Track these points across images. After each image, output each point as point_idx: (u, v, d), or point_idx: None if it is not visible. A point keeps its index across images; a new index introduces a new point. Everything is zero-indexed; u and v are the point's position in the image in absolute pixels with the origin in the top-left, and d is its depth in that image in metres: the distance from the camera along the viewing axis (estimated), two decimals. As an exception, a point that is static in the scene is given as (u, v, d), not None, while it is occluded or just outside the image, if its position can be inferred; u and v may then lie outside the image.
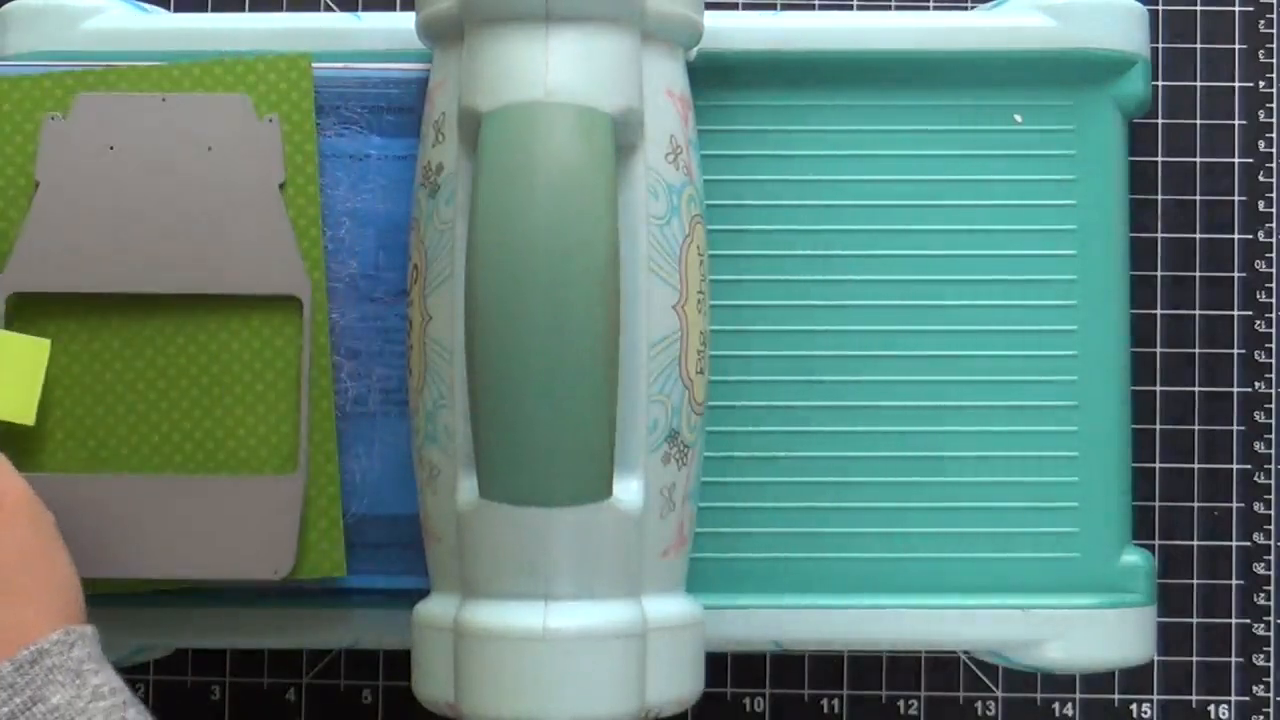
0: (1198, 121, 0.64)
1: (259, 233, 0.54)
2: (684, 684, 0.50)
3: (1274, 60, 0.64)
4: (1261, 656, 0.63)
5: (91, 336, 0.54)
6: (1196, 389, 0.64)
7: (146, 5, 0.58)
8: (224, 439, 0.54)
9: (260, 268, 0.54)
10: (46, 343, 0.53)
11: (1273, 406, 0.64)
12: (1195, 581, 0.63)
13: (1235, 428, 0.64)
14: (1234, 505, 0.63)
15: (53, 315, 0.54)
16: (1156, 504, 0.63)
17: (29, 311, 0.54)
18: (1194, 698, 0.63)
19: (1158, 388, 0.64)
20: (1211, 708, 0.63)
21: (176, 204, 0.54)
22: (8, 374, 0.53)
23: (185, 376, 0.54)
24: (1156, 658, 0.61)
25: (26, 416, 0.53)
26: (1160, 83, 0.64)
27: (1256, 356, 0.64)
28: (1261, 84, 0.64)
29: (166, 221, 0.54)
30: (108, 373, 0.54)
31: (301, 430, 0.53)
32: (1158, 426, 0.64)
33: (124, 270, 0.53)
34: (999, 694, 0.63)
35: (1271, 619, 0.63)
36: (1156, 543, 0.63)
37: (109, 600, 0.54)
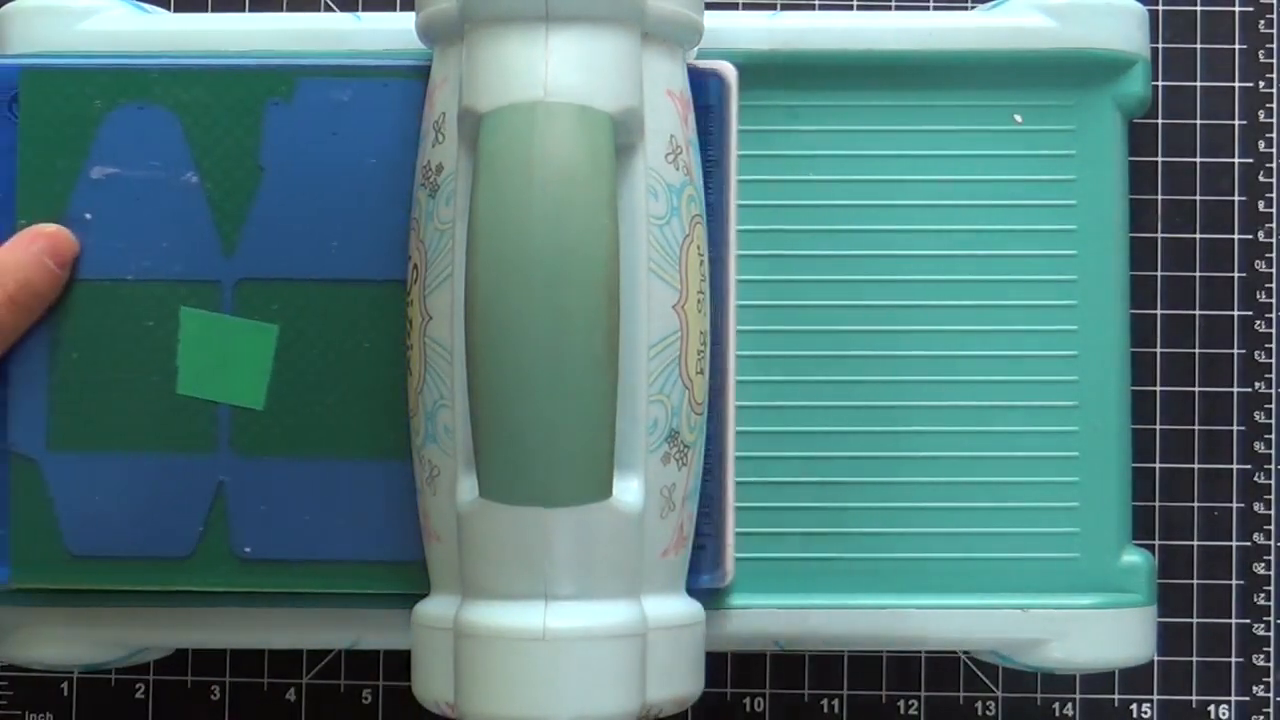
0: (1198, 121, 0.64)
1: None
2: (684, 684, 0.50)
3: (1274, 60, 0.64)
4: (1261, 657, 0.63)
5: (316, 321, 0.54)
6: (1196, 389, 0.64)
7: (146, 5, 0.58)
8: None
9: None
10: (274, 328, 0.53)
11: (1273, 406, 0.64)
12: (1195, 581, 0.63)
13: (1235, 428, 0.64)
14: (1234, 505, 0.63)
15: (279, 300, 0.54)
16: (1156, 504, 0.63)
17: (258, 297, 0.54)
18: (1194, 698, 0.63)
19: (1158, 388, 0.64)
20: (1211, 708, 0.63)
21: (398, 189, 0.53)
22: (237, 359, 0.53)
23: (395, 360, 0.53)
24: (1156, 658, 0.61)
25: (255, 401, 0.53)
26: (1160, 83, 0.64)
27: (1256, 356, 0.64)
28: (1261, 84, 0.64)
29: (388, 207, 0.53)
30: (332, 358, 0.53)
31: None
32: (1158, 426, 0.64)
33: (347, 256, 0.53)
34: (999, 694, 0.63)
35: (1271, 619, 0.63)
36: (1156, 543, 0.63)
37: (109, 600, 0.55)
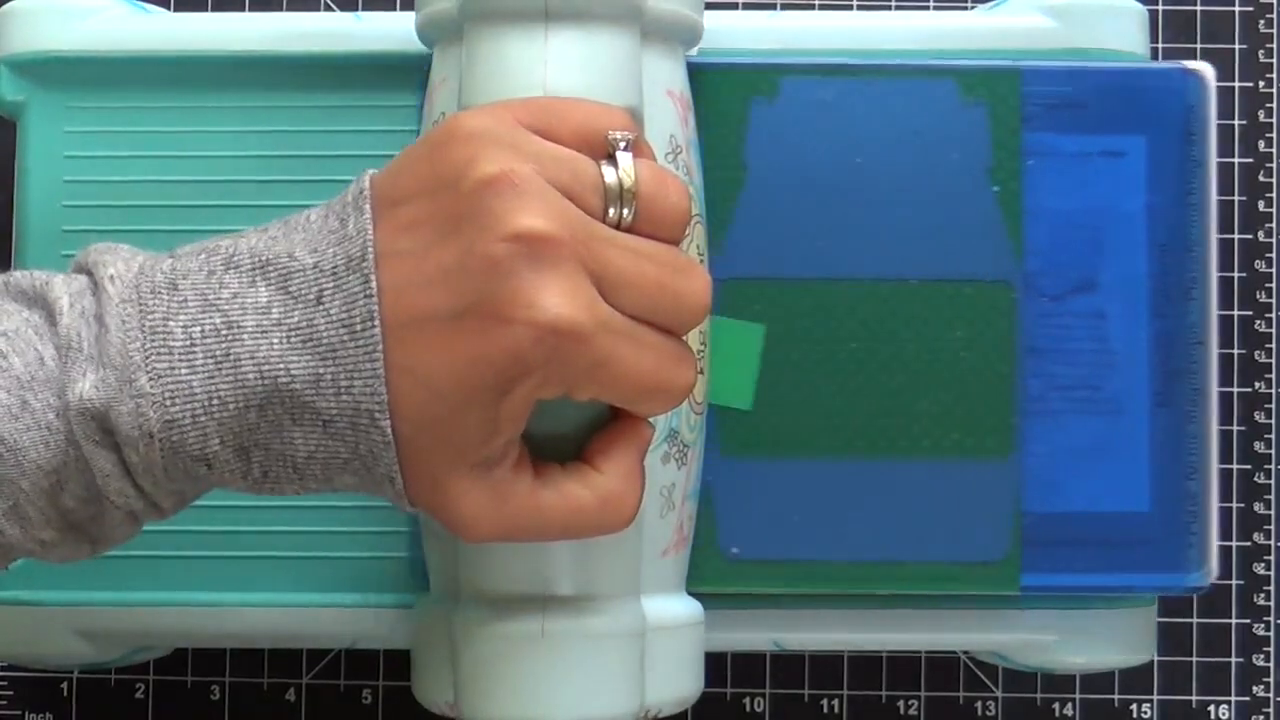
0: (1198, 121, 0.64)
1: (967, 218, 0.53)
2: (684, 684, 0.50)
3: (1274, 60, 0.64)
4: (1261, 657, 0.63)
5: (803, 321, 0.54)
6: (1196, 389, 0.64)
7: (146, 5, 0.58)
8: (933, 423, 0.53)
9: (969, 253, 0.53)
10: (761, 328, 0.53)
11: (1273, 406, 0.64)
12: (1195, 581, 0.63)
13: (1235, 428, 0.64)
14: (1234, 505, 0.63)
15: (765, 299, 0.54)
16: (1156, 504, 0.63)
17: (744, 296, 0.54)
18: (1194, 698, 0.63)
19: (1158, 388, 0.64)
20: (1211, 708, 0.63)
21: (884, 187, 0.53)
22: (725, 359, 0.53)
23: (895, 361, 0.53)
24: (1156, 658, 0.61)
25: (744, 401, 0.53)
26: (1160, 83, 0.64)
27: (1256, 356, 0.64)
28: (1261, 84, 0.64)
29: (874, 205, 0.53)
30: (819, 357, 0.53)
31: (1014, 417, 0.53)
32: (1158, 426, 0.63)
33: (833, 254, 0.53)
34: (999, 694, 0.63)
35: (1271, 619, 0.63)
36: (1156, 543, 0.63)
37: (108, 600, 0.55)
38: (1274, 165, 0.64)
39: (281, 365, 0.41)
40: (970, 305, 0.54)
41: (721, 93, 0.54)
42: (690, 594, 0.53)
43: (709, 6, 0.53)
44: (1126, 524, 0.54)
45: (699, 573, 0.53)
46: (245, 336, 0.41)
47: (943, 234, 0.54)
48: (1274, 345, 0.64)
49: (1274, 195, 0.64)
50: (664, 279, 0.43)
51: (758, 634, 0.55)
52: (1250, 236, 0.64)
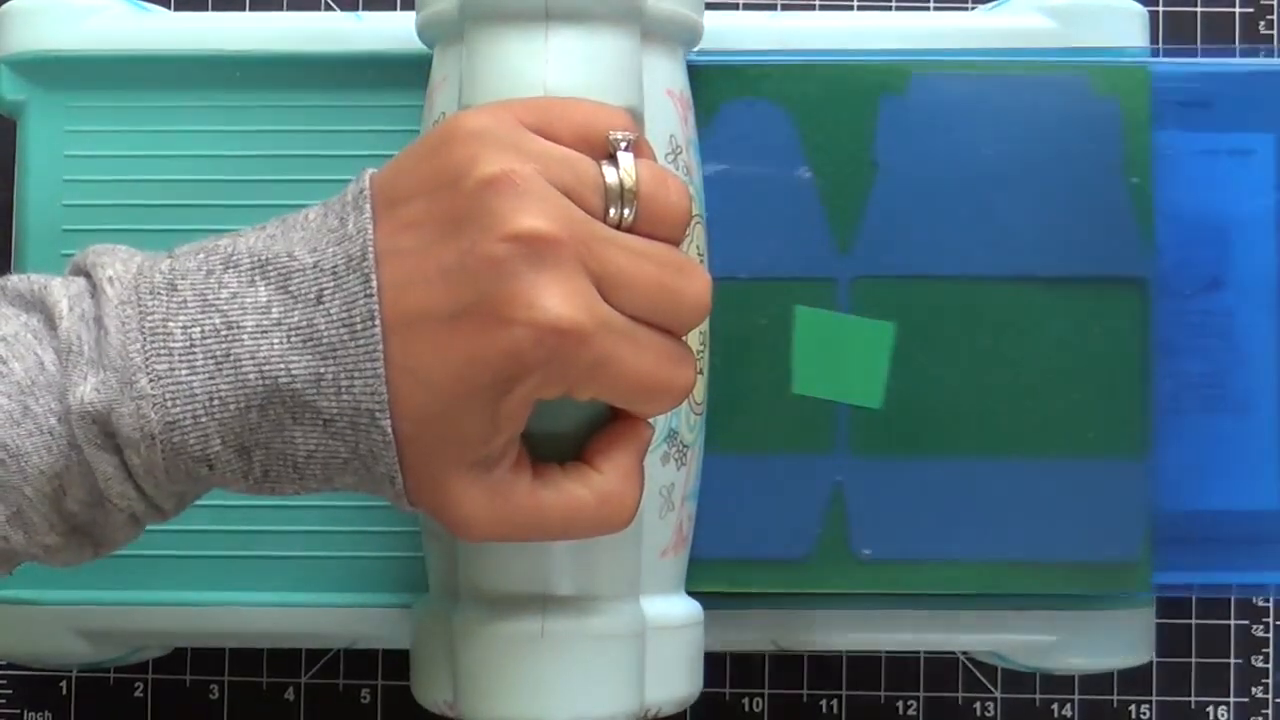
0: (1197, 122, 0.64)
1: (1100, 215, 0.53)
2: (683, 684, 0.50)
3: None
4: (1260, 658, 0.63)
5: (932, 318, 0.53)
6: (1196, 390, 0.64)
7: (146, 5, 0.58)
8: (1066, 422, 0.53)
9: (1102, 250, 0.53)
10: (891, 326, 0.53)
11: (1272, 407, 0.64)
12: (1194, 582, 0.63)
13: None
14: (1233, 506, 0.63)
15: (895, 298, 0.53)
16: (1156, 505, 0.63)
17: (874, 294, 0.53)
18: (1192, 699, 0.63)
19: (1157, 389, 0.64)
20: (1210, 709, 0.63)
21: (1014, 184, 0.53)
22: (855, 358, 0.53)
23: (1027, 359, 0.53)
24: (1155, 659, 0.61)
25: (873, 399, 0.53)
26: (1160, 84, 0.64)
27: (1256, 357, 0.64)
28: (1261, 85, 0.64)
29: (1005, 202, 0.53)
30: (951, 356, 0.53)
31: (1146, 416, 0.53)
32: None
33: (964, 252, 0.53)
34: (998, 695, 0.63)
35: (1270, 620, 0.63)
36: (1156, 544, 0.63)
37: (108, 599, 0.55)
38: (1273, 166, 0.64)
39: (282, 365, 0.41)
40: (1104, 303, 0.53)
41: (850, 88, 0.54)
42: (819, 594, 0.53)
43: (709, 6, 0.53)
44: (1256, 522, 0.54)
45: (829, 575, 0.53)
46: (245, 336, 0.41)
47: (1075, 231, 0.53)
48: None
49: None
50: (664, 279, 0.43)
51: (757, 634, 0.55)
52: (1250, 237, 0.64)
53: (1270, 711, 0.63)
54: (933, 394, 0.53)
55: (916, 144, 0.53)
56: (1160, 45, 0.64)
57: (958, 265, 0.53)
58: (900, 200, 0.53)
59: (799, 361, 0.53)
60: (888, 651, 0.63)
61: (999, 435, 0.53)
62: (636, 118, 0.48)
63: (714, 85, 0.54)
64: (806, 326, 0.53)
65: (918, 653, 0.63)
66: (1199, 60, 0.55)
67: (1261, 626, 0.63)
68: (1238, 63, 0.55)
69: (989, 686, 0.63)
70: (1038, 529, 0.53)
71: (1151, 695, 0.63)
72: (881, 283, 0.53)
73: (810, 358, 0.53)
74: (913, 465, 0.53)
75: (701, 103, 0.53)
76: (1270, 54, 0.64)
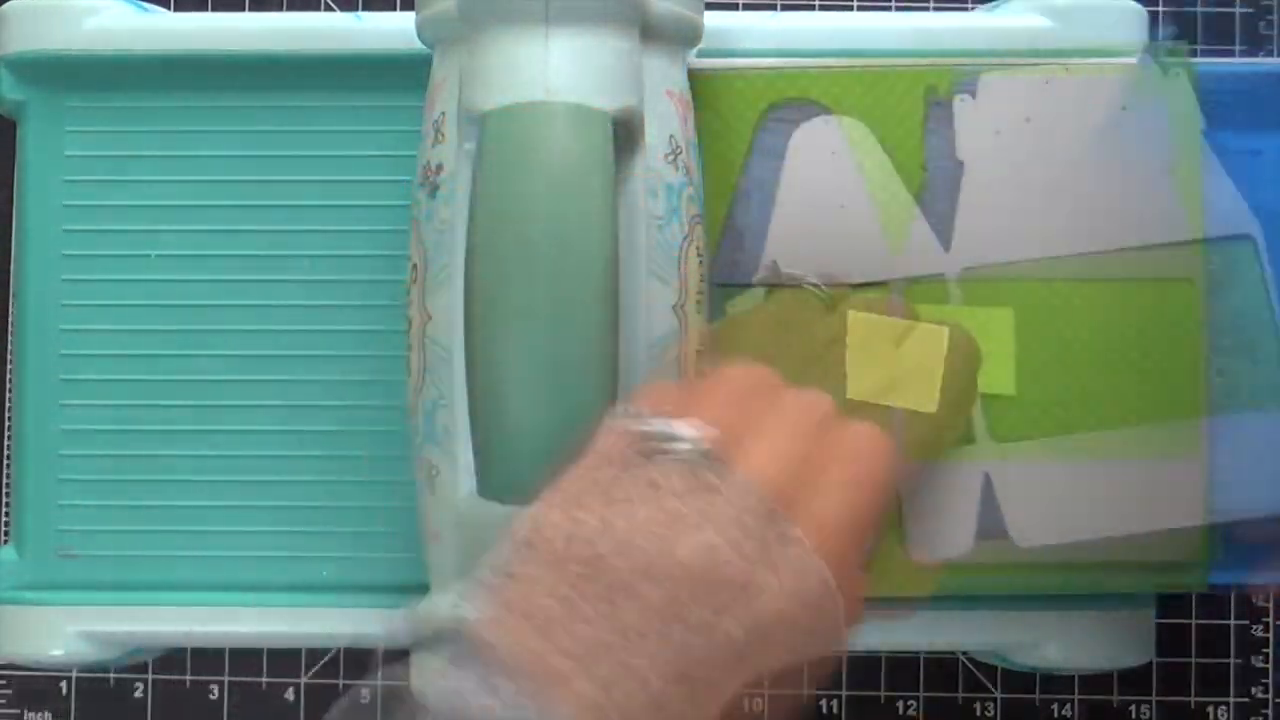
0: (1197, 122, 0.64)
1: (1150, 215, 0.54)
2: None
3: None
4: (1260, 658, 0.63)
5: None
6: (1196, 390, 0.64)
7: (147, 5, 0.58)
8: (1122, 422, 0.54)
9: (1154, 250, 0.54)
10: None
11: (1272, 408, 0.64)
12: (1194, 582, 0.63)
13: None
14: None
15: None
16: (1156, 505, 0.63)
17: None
18: (1192, 699, 0.63)
19: (1157, 389, 0.64)
20: (1210, 709, 0.63)
21: (1068, 182, 0.54)
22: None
23: (1088, 357, 0.54)
24: (1155, 659, 0.61)
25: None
26: (1160, 84, 0.64)
27: (1256, 357, 0.64)
28: (1261, 85, 0.64)
29: (1064, 201, 0.54)
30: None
31: (1202, 415, 0.54)
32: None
33: (1020, 249, 0.54)
34: (998, 694, 0.63)
35: (1270, 620, 0.63)
36: (1156, 544, 0.63)
37: (108, 600, 0.55)
38: (1273, 166, 0.64)
39: None
40: (1156, 302, 0.54)
41: (899, 91, 0.54)
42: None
43: (709, 6, 0.53)
44: None
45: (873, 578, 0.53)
46: None
47: (1125, 231, 0.54)
48: (1273, 346, 0.64)
49: (1273, 196, 0.64)
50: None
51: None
52: (1250, 237, 0.64)
53: (1270, 711, 0.63)
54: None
55: (989, 142, 0.54)
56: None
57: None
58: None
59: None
60: (888, 651, 0.63)
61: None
62: (636, 117, 0.48)
63: (764, 88, 0.55)
64: (861, 328, 0.54)
65: (918, 653, 0.63)
66: (1246, 61, 0.55)
67: (1261, 626, 0.63)
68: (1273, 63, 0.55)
69: (989, 686, 0.63)
70: (1096, 527, 0.54)
71: (1151, 695, 0.63)
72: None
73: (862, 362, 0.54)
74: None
75: (747, 105, 0.54)
76: (1270, 54, 0.64)
